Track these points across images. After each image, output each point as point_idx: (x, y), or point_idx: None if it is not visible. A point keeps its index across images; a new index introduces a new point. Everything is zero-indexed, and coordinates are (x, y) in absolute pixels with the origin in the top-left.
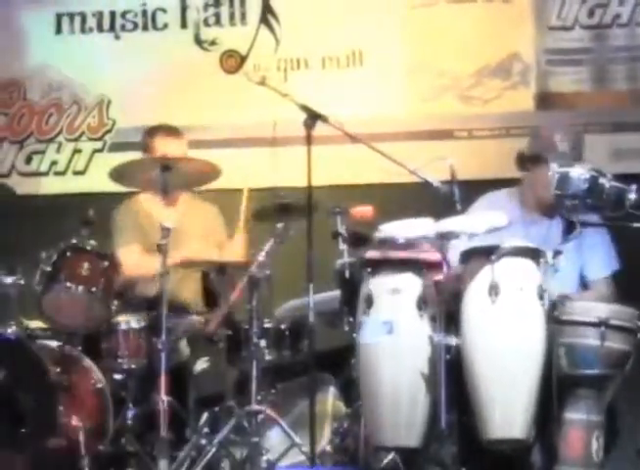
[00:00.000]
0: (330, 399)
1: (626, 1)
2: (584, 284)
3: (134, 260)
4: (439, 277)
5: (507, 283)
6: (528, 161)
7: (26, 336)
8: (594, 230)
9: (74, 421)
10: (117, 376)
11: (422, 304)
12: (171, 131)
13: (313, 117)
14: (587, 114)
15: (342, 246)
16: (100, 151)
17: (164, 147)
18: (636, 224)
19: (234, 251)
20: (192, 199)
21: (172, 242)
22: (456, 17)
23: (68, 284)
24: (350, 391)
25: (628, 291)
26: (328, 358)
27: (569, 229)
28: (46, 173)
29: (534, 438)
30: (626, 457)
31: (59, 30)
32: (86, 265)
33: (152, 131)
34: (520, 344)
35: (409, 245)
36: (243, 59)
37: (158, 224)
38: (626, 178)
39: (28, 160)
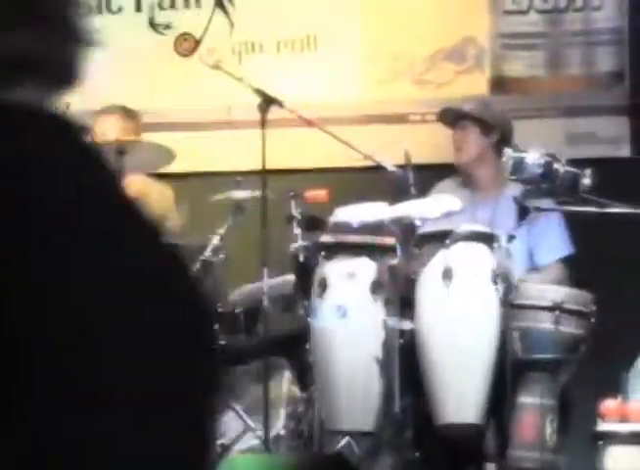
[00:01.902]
0: (285, 384)
1: None
2: (534, 269)
3: None
4: (394, 261)
5: (461, 267)
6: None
7: None
8: (545, 215)
9: None
10: None
11: (376, 288)
12: (116, 113)
13: (267, 101)
14: (542, 98)
15: (297, 230)
16: None
17: (102, 130)
18: (590, 209)
19: None
20: (145, 182)
21: None
22: (412, 1)
23: None
24: (305, 375)
25: (582, 276)
26: (283, 343)
27: (522, 214)
28: None
29: (488, 422)
30: (581, 441)
31: None
32: None
33: (97, 113)
34: (473, 328)
35: (364, 229)
36: (197, 42)
37: None
38: (581, 163)
39: None
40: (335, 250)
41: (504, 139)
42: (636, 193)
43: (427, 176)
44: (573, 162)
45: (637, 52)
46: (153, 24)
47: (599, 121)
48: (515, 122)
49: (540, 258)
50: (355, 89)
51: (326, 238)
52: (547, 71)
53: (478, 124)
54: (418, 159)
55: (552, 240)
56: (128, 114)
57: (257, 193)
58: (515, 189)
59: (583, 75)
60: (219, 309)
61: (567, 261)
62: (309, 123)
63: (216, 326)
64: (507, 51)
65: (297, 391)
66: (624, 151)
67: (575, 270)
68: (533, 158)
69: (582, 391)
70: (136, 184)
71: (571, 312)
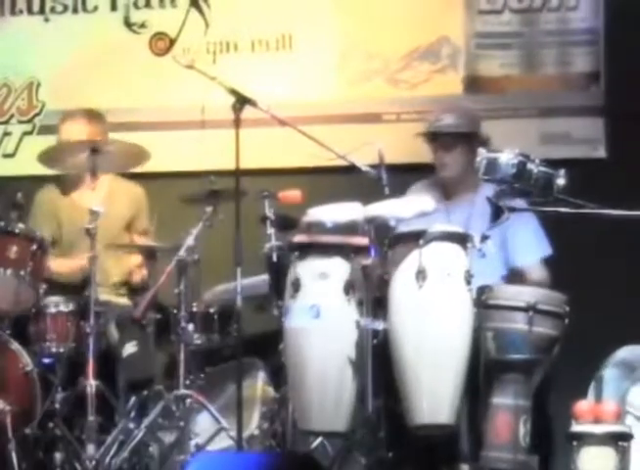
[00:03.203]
0: (259, 384)
1: None
2: (513, 271)
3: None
4: (367, 262)
5: (434, 268)
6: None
7: None
8: (520, 215)
9: (0, 405)
10: (45, 360)
11: (349, 288)
12: (83, 117)
13: (241, 101)
14: (517, 98)
15: (270, 230)
16: (29, 133)
17: (68, 134)
18: (564, 209)
19: None
20: (117, 181)
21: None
22: (387, 0)
23: None
24: (280, 375)
25: (557, 277)
26: (258, 343)
27: (496, 214)
28: None
29: (462, 423)
30: (555, 442)
31: None
32: (15, 248)
33: (63, 117)
34: (446, 329)
35: (337, 229)
36: (172, 41)
37: (82, 209)
38: (556, 163)
39: None
40: (308, 250)
41: (483, 143)
42: (611, 194)
43: (401, 176)
44: (548, 162)
45: (612, 53)
46: (128, 24)
47: (574, 122)
48: (489, 122)
49: (519, 259)
50: (330, 88)
51: (299, 238)
52: (522, 71)
53: (461, 140)
54: (392, 158)
55: (528, 241)
56: (95, 117)
57: (232, 194)
58: (490, 190)
59: (558, 76)
60: (194, 309)
61: (546, 262)
62: (283, 123)
63: (191, 326)
64: (481, 50)
65: (271, 391)
66: (600, 152)
67: (550, 272)
68: (507, 158)
69: (556, 391)
70: (108, 184)
71: (544, 313)
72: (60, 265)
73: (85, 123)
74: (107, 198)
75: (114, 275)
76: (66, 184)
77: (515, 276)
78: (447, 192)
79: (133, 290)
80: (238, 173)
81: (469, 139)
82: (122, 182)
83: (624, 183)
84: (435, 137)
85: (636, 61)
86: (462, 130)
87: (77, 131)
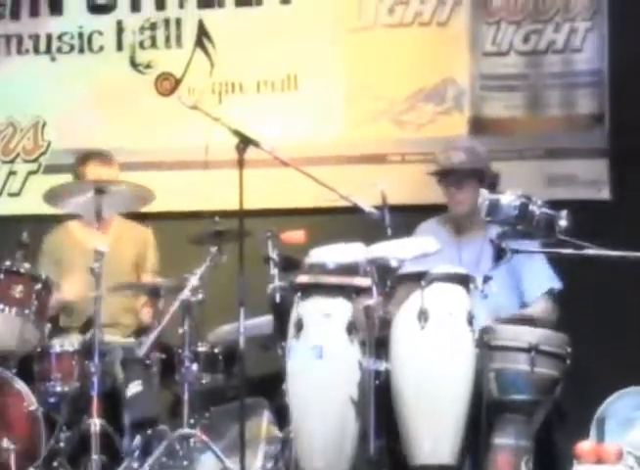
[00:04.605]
0: (264, 424)
1: (561, 28)
2: (524, 307)
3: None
4: (370, 302)
5: (436, 309)
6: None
7: None
8: (525, 254)
9: (5, 443)
10: (50, 399)
11: (352, 328)
12: (103, 159)
13: (245, 142)
14: (522, 140)
15: (274, 270)
16: (35, 173)
17: (96, 175)
18: (566, 250)
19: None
20: (124, 223)
21: (105, 267)
22: (392, 41)
23: (1, 306)
24: (284, 415)
25: (559, 317)
26: (263, 383)
27: (498, 255)
28: None
29: (463, 463)
30: None
31: None
32: (19, 288)
33: (84, 159)
34: (448, 369)
35: (339, 270)
36: (178, 82)
37: (88, 249)
38: (560, 204)
39: None
40: (311, 290)
41: (494, 179)
42: (614, 235)
43: (404, 217)
44: (552, 203)
45: (617, 94)
46: (134, 64)
47: (579, 164)
48: (494, 164)
49: (529, 294)
50: (335, 129)
51: (302, 278)
52: (527, 113)
53: (473, 176)
54: (397, 199)
55: (536, 276)
56: (113, 158)
57: (236, 234)
58: (497, 229)
59: (563, 117)
60: (198, 349)
61: (553, 295)
62: (286, 164)
63: (195, 366)
64: (486, 92)
65: (276, 431)
66: (604, 193)
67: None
68: (509, 199)
69: (558, 432)
70: (115, 226)
71: (546, 354)
72: (66, 293)
73: (109, 165)
74: (114, 240)
75: (120, 316)
76: (73, 226)
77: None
78: (459, 229)
79: (138, 330)
80: (241, 214)
81: (480, 175)
82: (129, 224)
83: (628, 225)
84: (447, 174)
85: None
86: (474, 167)
87: (105, 173)
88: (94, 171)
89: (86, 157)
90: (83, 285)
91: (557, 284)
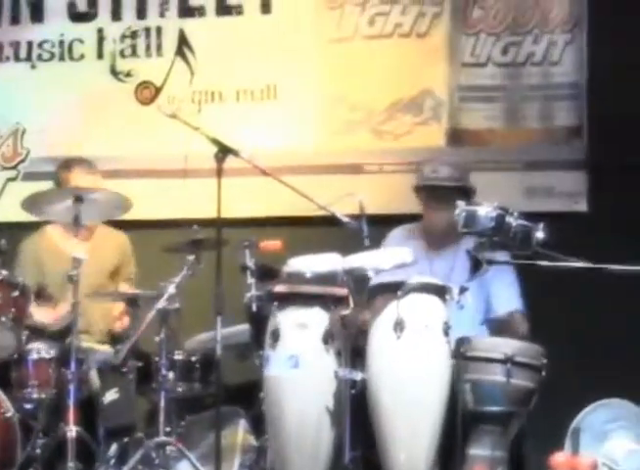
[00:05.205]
0: (240, 432)
1: (540, 40)
2: (491, 321)
3: None
4: (346, 312)
5: (412, 319)
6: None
7: None
8: (499, 267)
9: None
10: (27, 406)
11: (328, 338)
12: (87, 166)
13: (224, 151)
14: (499, 151)
15: (251, 279)
16: (13, 180)
17: (80, 182)
18: (543, 262)
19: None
20: (107, 231)
21: (83, 274)
22: (371, 52)
23: None
24: (261, 424)
25: (535, 328)
26: (239, 391)
27: (475, 267)
28: None
29: None
30: None
31: None
32: None
33: (67, 165)
34: (424, 380)
35: (317, 279)
36: (158, 90)
37: (66, 256)
38: (537, 216)
39: None
40: (288, 300)
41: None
42: (591, 247)
43: (382, 228)
44: (530, 215)
45: (595, 107)
46: (114, 72)
47: (556, 176)
48: (472, 175)
49: (499, 308)
50: (313, 139)
51: (279, 288)
52: (505, 125)
53: (456, 192)
54: (373, 209)
55: (508, 290)
56: (89, 166)
57: (214, 243)
58: (472, 242)
59: (541, 129)
60: (175, 357)
61: (521, 313)
62: (264, 173)
63: (172, 374)
64: (464, 103)
65: (252, 439)
66: (581, 205)
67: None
68: (485, 211)
69: (533, 443)
70: (93, 233)
71: (522, 365)
72: (44, 316)
73: (93, 172)
74: (92, 247)
75: (98, 323)
76: (52, 231)
77: (495, 327)
78: (431, 241)
79: (115, 337)
80: (219, 223)
81: (463, 192)
82: (108, 231)
83: (604, 237)
84: (430, 190)
85: (618, 115)
86: (459, 184)
87: (90, 180)
88: (78, 178)
89: (70, 163)
90: (59, 315)
91: (521, 305)
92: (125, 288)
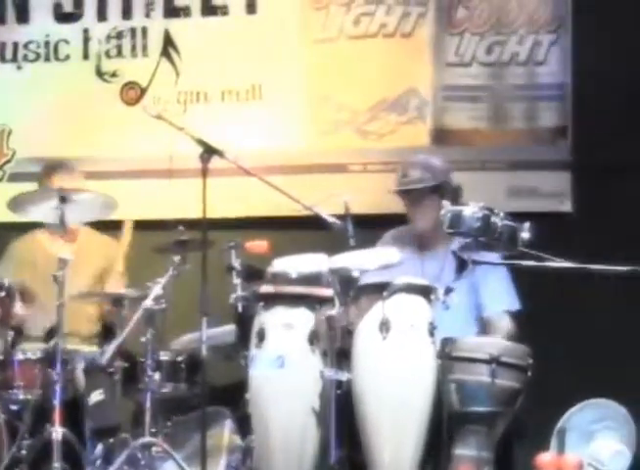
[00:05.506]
0: (226, 433)
1: (525, 40)
2: (482, 322)
3: None
4: (332, 312)
5: (398, 319)
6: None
7: None
8: (490, 267)
9: None
10: (13, 406)
11: (314, 338)
12: (69, 170)
13: (209, 151)
14: (484, 151)
15: (236, 280)
16: None
17: (62, 185)
18: (528, 262)
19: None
20: (92, 233)
21: (69, 275)
22: (356, 52)
23: None
24: (247, 424)
25: (520, 329)
26: (225, 392)
27: (461, 267)
28: None
29: None
30: None
31: None
32: None
33: (49, 170)
34: (409, 380)
35: (302, 280)
36: (143, 91)
37: (54, 257)
38: (522, 216)
39: None
40: (273, 300)
41: (454, 192)
42: (576, 248)
43: (367, 228)
44: (515, 216)
45: (580, 108)
46: (99, 73)
47: (541, 176)
48: (456, 174)
49: (487, 309)
50: (299, 138)
51: (264, 288)
52: (489, 124)
53: (430, 193)
54: (358, 209)
55: (498, 291)
56: (71, 169)
57: (199, 243)
58: (459, 242)
59: (526, 130)
60: (161, 358)
61: (513, 314)
62: (250, 174)
63: (157, 374)
64: (449, 103)
65: (238, 440)
66: (566, 206)
67: (515, 324)
68: (471, 211)
69: (518, 444)
70: (81, 236)
71: (507, 365)
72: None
73: (74, 176)
74: (79, 249)
75: (84, 324)
76: (41, 235)
77: (484, 327)
78: (422, 243)
79: (101, 338)
80: (205, 223)
81: (437, 191)
82: (97, 235)
83: (589, 237)
84: (403, 193)
85: (603, 116)
86: (428, 184)
87: (72, 184)
88: (60, 181)
89: (52, 168)
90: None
91: (516, 305)
92: (111, 287)
